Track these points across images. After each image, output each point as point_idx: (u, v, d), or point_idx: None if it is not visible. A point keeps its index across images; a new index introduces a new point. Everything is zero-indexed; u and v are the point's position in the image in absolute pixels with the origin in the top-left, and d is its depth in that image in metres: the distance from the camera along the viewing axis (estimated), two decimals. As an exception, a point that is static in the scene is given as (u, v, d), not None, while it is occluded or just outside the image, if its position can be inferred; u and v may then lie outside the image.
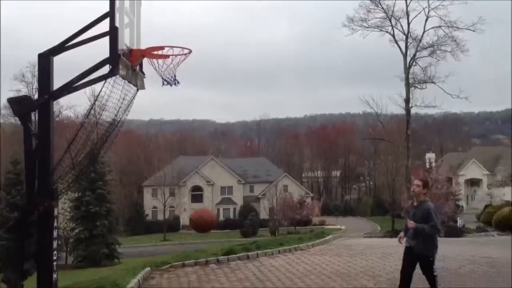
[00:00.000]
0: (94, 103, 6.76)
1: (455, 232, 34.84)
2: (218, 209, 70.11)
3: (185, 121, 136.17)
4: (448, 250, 12.58)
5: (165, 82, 6.54)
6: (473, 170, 77.59)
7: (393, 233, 40.70)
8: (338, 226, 57.15)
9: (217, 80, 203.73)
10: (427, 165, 59.73)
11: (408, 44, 44.17)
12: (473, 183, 78.00)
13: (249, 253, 12.46)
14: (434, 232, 6.06)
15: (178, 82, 6.59)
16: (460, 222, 49.09)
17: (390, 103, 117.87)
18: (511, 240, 14.68)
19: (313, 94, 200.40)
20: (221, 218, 68.14)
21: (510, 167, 55.31)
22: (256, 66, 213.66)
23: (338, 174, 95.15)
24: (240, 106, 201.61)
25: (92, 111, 6.76)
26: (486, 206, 46.98)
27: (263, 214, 65.32)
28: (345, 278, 9.54)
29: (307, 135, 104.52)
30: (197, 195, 70.92)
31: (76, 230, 31.43)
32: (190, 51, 6.49)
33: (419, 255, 6.41)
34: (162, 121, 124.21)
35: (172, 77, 6.56)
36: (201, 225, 56.82)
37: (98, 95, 6.18)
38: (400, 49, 44.28)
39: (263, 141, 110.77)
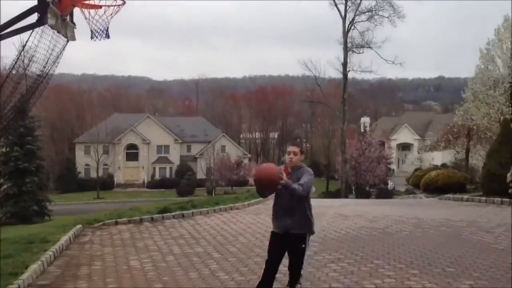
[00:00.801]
0: (21, 53, 6.36)
1: (386, 194, 36.26)
2: (154, 168, 69.46)
3: (120, 77, 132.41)
4: (377, 211, 13.03)
5: (95, 35, 6.20)
6: (405, 134, 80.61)
7: (327, 194, 41.91)
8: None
9: (153, 36, 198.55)
10: (362, 129, 61.39)
11: (347, 7, 44.48)
12: (405, 147, 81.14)
13: (184, 212, 12.43)
14: (303, 190, 4.90)
15: (108, 36, 6.26)
16: (390, 185, 51.14)
17: (329, 66, 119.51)
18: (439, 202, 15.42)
19: (252, 55, 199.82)
20: (157, 177, 67.62)
21: (439, 132, 57.70)
22: (194, 24, 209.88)
23: (276, 136, 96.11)
24: (177, 64, 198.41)
25: (20, 62, 6.37)
26: (415, 170, 48.96)
27: (200, 174, 65.33)
28: (278, 237, 9.67)
29: (246, 96, 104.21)
30: (132, 153, 69.78)
31: (4, 186, 30.27)
32: (124, 3, 6.16)
33: (293, 236, 5.17)
34: (96, 76, 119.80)
35: (103, 30, 6.22)
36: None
37: (25, 45, 5.83)
38: (340, 12, 44.53)
39: (201, 101, 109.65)
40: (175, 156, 70.68)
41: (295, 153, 5.12)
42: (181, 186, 54.43)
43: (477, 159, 27.30)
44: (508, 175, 13.84)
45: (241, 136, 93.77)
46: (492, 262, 7.38)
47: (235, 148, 72.20)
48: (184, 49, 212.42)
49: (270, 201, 16.06)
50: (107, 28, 6.26)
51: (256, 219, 11.89)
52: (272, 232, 5.32)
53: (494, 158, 15.23)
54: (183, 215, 12.28)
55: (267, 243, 8.99)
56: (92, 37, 6.21)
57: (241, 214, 12.75)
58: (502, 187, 14.28)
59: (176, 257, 8.25)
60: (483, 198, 14.37)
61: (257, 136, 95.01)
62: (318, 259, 7.77)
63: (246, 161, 66.41)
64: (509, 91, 30.89)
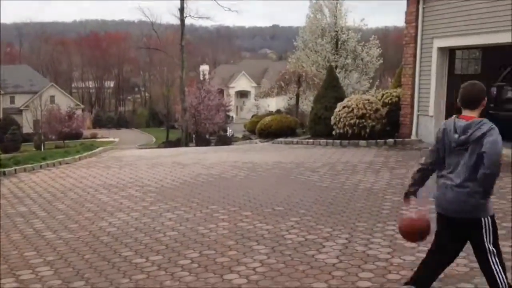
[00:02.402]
0: None
1: (225, 140, 37.14)
2: (-28, 122, 62.82)
3: None
4: (215, 158, 13.24)
5: None
6: (242, 82, 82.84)
7: (167, 144, 41.71)
8: (112, 139, 56.11)
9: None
10: (201, 77, 61.58)
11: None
12: (243, 94, 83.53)
13: (5, 170, 11.39)
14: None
15: None
16: (230, 132, 52.53)
17: (166, 12, 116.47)
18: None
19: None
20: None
21: (273, 79, 60.15)
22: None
23: (112, 85, 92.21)
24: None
25: None
26: (252, 116, 50.73)
27: (27, 128, 60.54)
28: (112, 189, 9.38)
29: (77, 42, 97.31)
30: None
31: None
32: None
33: None
34: None
35: None
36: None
37: None
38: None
39: (25, 47, 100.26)
40: (-2, 109, 64.49)
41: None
42: (5, 142, 49.90)
43: (307, 104, 29.04)
44: (332, 118, 14.90)
45: (73, 85, 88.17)
46: (316, 199, 7.94)
47: (66, 98, 67.82)
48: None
49: (104, 154, 15.35)
50: None
51: (89, 173, 11.35)
52: None
53: (321, 103, 16.24)
54: (4, 173, 11.24)
55: (100, 197, 8.72)
56: None
57: (71, 169, 12.06)
58: (327, 129, 15.37)
59: (-5, 218, 7.58)
60: (311, 140, 15.31)
61: (90, 85, 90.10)
62: (154, 209, 7.70)
63: (79, 112, 62.94)
64: (335, 40, 33.19)
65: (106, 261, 5.56)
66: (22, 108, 64.90)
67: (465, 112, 3.86)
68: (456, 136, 3.77)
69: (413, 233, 4.03)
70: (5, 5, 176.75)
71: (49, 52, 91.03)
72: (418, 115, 14.03)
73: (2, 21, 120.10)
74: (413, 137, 14.05)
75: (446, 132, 3.86)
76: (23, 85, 67.31)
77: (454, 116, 3.90)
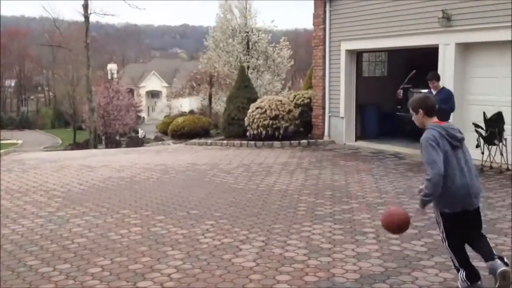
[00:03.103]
0: None
1: (137, 142, 36.25)
2: None
3: None
4: (125, 160, 12.86)
5: None
6: (153, 82, 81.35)
7: (75, 146, 40.01)
8: (14, 141, 53.01)
9: None
10: (109, 76, 59.75)
11: None
12: (154, 94, 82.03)
13: None
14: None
15: None
16: (141, 133, 51.36)
17: (69, 9, 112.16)
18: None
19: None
20: None
21: (185, 79, 59.59)
22: None
23: (13, 84, 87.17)
24: None
25: None
26: (165, 117, 49.92)
27: None
28: (15, 194, 8.81)
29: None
30: None
31: None
32: None
33: None
34: None
35: None
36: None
37: None
38: None
39: None
40: None
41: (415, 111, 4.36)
42: None
43: (220, 105, 29.02)
44: (246, 119, 14.95)
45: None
46: (232, 201, 7.90)
47: (-37, 98, 63.36)
48: None
49: (6, 157, 14.36)
50: None
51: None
52: None
53: (233, 103, 16.25)
54: None
55: (2, 202, 8.14)
56: None
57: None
58: (241, 130, 15.41)
59: None
60: (225, 141, 15.29)
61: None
62: (61, 215, 7.31)
63: (-23, 112, 58.97)
64: (246, 40, 33.42)
65: (10, 271, 5.20)
66: None
67: (435, 119, 4.27)
68: (459, 134, 4.21)
69: (393, 224, 4.26)
70: None
71: None
72: (329, 116, 14.44)
73: None
74: (325, 138, 14.46)
75: (442, 136, 4.12)
76: None
77: (431, 123, 4.21)
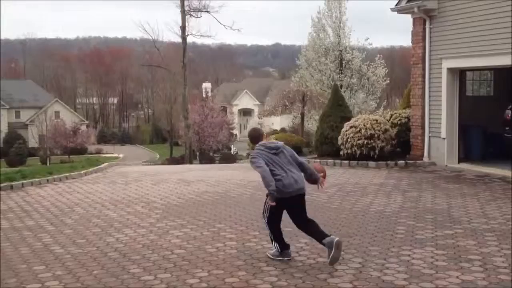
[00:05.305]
0: None
1: (229, 158, 37.05)
2: (-22, 136, 62.99)
3: None
4: (220, 175, 13.13)
5: None
6: (245, 100, 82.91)
7: (171, 160, 41.60)
8: (116, 155, 56.17)
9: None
10: (204, 95, 61.74)
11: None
12: (246, 112, 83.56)
13: (12, 183, 11.33)
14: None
15: None
16: (234, 149, 52.46)
17: (167, 30, 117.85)
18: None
19: (84, 13, 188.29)
20: (-18, 146, 61.46)
21: (277, 98, 60.19)
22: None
23: (116, 101, 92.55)
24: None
25: None
26: (256, 134, 50.53)
27: (32, 143, 60.66)
28: (119, 205, 9.28)
29: (80, 58, 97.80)
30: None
31: None
32: None
33: None
34: None
35: None
36: None
37: None
38: (173, -26, 43.65)
39: (29, 63, 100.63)
40: (2, 123, 64.60)
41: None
42: (11, 155, 49.94)
43: (312, 123, 28.99)
44: (339, 137, 14.76)
45: (77, 101, 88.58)
46: (326, 221, 7.79)
47: (71, 114, 68.20)
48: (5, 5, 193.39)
49: (109, 169, 15.29)
50: None
51: (95, 188, 11.25)
52: None
53: (326, 122, 16.14)
54: (11, 187, 11.18)
55: (107, 212, 8.60)
56: None
57: (77, 184, 11.98)
58: (333, 149, 15.24)
59: (4, 232, 7.50)
60: (318, 160, 15.17)
61: (94, 101, 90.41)
62: (161, 226, 7.58)
63: (83, 127, 63.11)
64: (339, 59, 33.28)
65: (115, 278, 5.43)
66: (27, 122, 65.03)
67: (270, 138, 5.37)
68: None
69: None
70: (7, 20, 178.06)
71: (53, 68, 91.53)
72: (429, 137, 13.83)
73: (5, 37, 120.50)
74: (425, 159, 13.81)
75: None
76: (28, 100, 67.63)
77: (262, 142, 6.09)
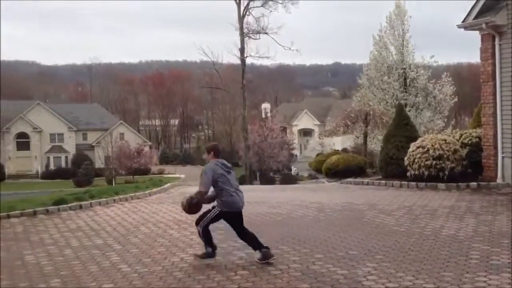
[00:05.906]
0: None
1: (290, 179, 36.89)
2: (48, 158, 66.00)
3: (5, 62, 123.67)
4: (281, 196, 13.04)
5: None
6: (305, 120, 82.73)
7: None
8: (178, 175, 57.20)
9: (35, 17, 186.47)
10: (263, 115, 62.11)
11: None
12: (306, 132, 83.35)
13: (82, 203, 11.71)
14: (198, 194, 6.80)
15: None
16: (294, 170, 52.21)
17: (226, 52, 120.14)
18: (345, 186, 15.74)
19: (146, 39, 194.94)
20: (52, 167, 64.26)
21: (338, 118, 59.66)
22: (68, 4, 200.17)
23: (177, 123, 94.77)
24: (66, 47, 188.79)
25: None
26: (317, 155, 50.11)
27: (99, 163, 62.89)
28: (182, 225, 9.36)
29: (142, 81, 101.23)
30: (23, 142, 65.84)
31: None
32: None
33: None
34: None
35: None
36: None
37: None
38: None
39: (95, 86, 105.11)
40: (70, 144, 67.54)
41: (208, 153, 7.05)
42: (79, 176, 51.99)
43: (376, 143, 28.42)
44: (405, 158, 14.32)
45: (140, 123, 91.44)
46: (394, 245, 7.51)
47: (134, 135, 70.31)
48: (72, 32, 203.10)
49: (172, 190, 15.51)
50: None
51: (159, 208, 11.43)
52: None
53: (391, 142, 15.75)
54: (80, 206, 11.56)
55: (171, 232, 8.68)
56: None
57: (142, 204, 12.22)
58: (399, 169, 14.79)
59: (74, 250, 7.73)
60: (383, 181, 14.78)
61: (157, 123, 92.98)
62: (224, 247, 7.54)
63: (146, 148, 64.79)
64: (403, 77, 32.58)
65: (180, 298, 5.44)
66: (94, 144, 67.54)
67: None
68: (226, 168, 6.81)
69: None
70: (74, 46, 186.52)
71: (117, 91, 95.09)
72: (503, 157, 13.15)
73: (73, 62, 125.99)
74: (499, 180, 13.09)
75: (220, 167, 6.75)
76: (95, 122, 70.39)
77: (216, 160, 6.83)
